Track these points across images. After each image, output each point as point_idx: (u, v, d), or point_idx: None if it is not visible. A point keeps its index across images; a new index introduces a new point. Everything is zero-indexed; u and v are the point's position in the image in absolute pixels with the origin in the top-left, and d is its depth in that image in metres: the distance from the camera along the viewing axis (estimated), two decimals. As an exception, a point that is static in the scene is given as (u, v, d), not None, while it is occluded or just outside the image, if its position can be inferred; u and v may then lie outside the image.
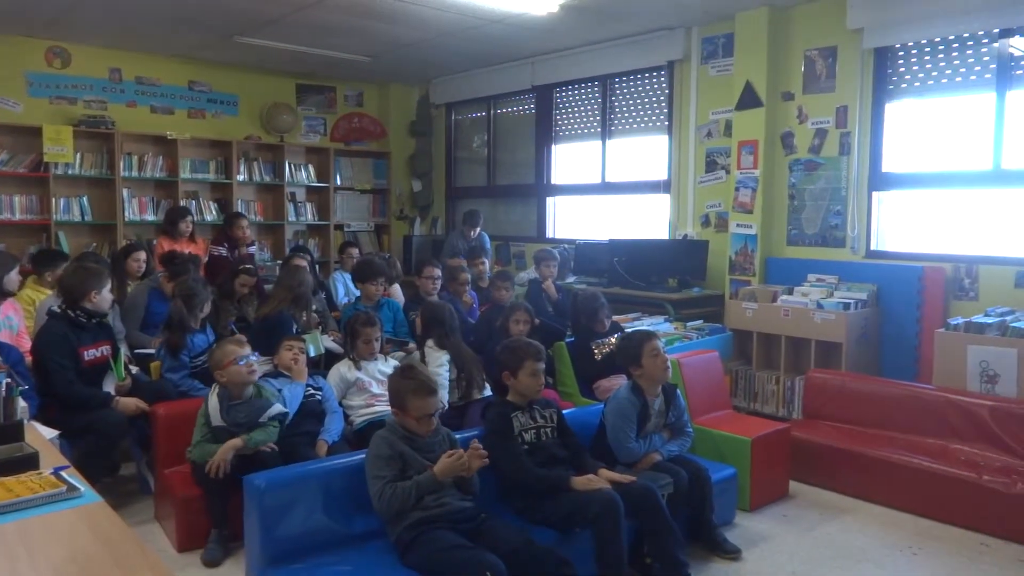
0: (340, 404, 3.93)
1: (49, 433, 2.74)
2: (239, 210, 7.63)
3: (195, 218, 6.91)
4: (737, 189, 5.93)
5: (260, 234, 8.29)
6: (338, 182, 8.73)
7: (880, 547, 3.52)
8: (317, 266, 7.17)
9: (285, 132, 8.40)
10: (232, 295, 5.33)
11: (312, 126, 8.81)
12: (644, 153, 7.03)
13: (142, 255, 5.62)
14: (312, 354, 4.47)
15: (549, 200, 8.01)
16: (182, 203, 7.37)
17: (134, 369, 4.31)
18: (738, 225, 5.95)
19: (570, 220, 7.91)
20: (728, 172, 6.11)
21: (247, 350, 3.50)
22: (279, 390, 3.62)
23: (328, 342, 4.92)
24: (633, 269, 6.22)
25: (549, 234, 7.98)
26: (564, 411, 3.54)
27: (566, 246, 7.23)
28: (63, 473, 1.94)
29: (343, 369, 4.05)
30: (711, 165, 6.33)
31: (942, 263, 5.06)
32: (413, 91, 9.19)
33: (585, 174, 7.58)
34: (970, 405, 4.06)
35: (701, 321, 5.59)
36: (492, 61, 7.88)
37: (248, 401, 3.44)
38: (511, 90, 8.11)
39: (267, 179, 8.25)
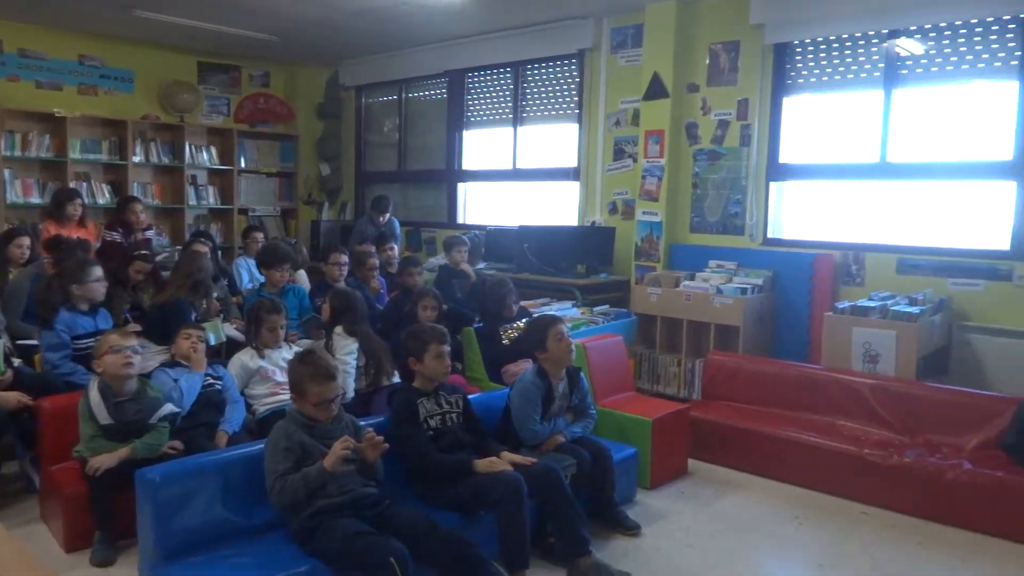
0: (242, 393, 3.83)
1: None
2: (134, 193, 7.31)
3: (85, 201, 6.53)
4: (644, 177, 6.07)
5: (158, 218, 7.96)
6: (242, 165, 8.47)
7: (770, 518, 3.70)
8: (220, 252, 6.95)
9: (185, 112, 8.08)
10: (126, 282, 5.11)
11: (215, 106, 8.50)
12: (554, 141, 7.10)
13: (25, 240, 5.30)
14: (212, 342, 4.35)
15: (460, 186, 8.00)
16: (71, 185, 6.96)
17: (16, 361, 4.08)
18: (644, 213, 6.10)
19: (481, 206, 7.93)
20: (635, 161, 6.25)
21: (130, 341, 3.34)
22: (175, 380, 3.50)
23: (230, 330, 4.80)
24: (542, 255, 6.28)
25: (460, 220, 7.98)
26: (471, 396, 3.57)
27: (476, 232, 7.24)
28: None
29: (245, 358, 3.95)
30: (619, 153, 6.46)
31: (832, 250, 5.32)
32: (322, 73, 8.99)
33: (496, 160, 7.60)
34: (853, 383, 4.31)
35: (607, 306, 5.71)
36: (404, 44, 7.79)
37: (136, 398, 3.30)
38: (423, 74, 8.04)
39: (166, 161, 7.91)
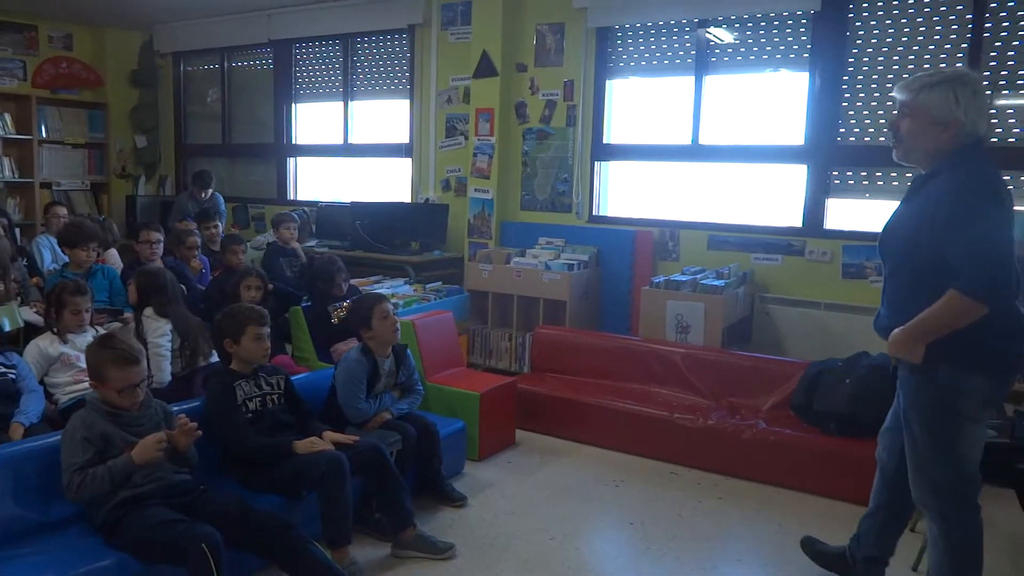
0: (42, 382, 3.54)
1: None
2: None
3: None
4: (475, 155, 6.14)
5: (-56, 191, 7.15)
6: (43, 134, 7.73)
7: (590, 482, 3.91)
8: (18, 229, 6.34)
9: (-27, 74, 7.27)
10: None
11: (8, 69, 7.68)
12: (387, 116, 7.02)
13: None
14: (7, 328, 3.99)
15: (290, 161, 7.73)
16: None
17: None
18: (476, 190, 6.17)
19: (312, 182, 7.71)
20: (467, 138, 6.30)
21: None
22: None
23: (29, 314, 4.40)
24: (376, 232, 6.21)
25: (291, 196, 7.73)
26: (296, 376, 3.50)
27: (307, 208, 7.05)
28: None
29: (44, 343, 3.64)
30: (451, 131, 6.48)
31: (651, 227, 5.63)
32: (134, 37, 8.35)
33: (328, 135, 7.41)
34: (667, 353, 4.61)
35: (440, 283, 5.74)
36: (223, 10, 7.39)
37: None
38: (246, 43, 7.68)
39: (-49, 127, 7.10)
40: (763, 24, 5.21)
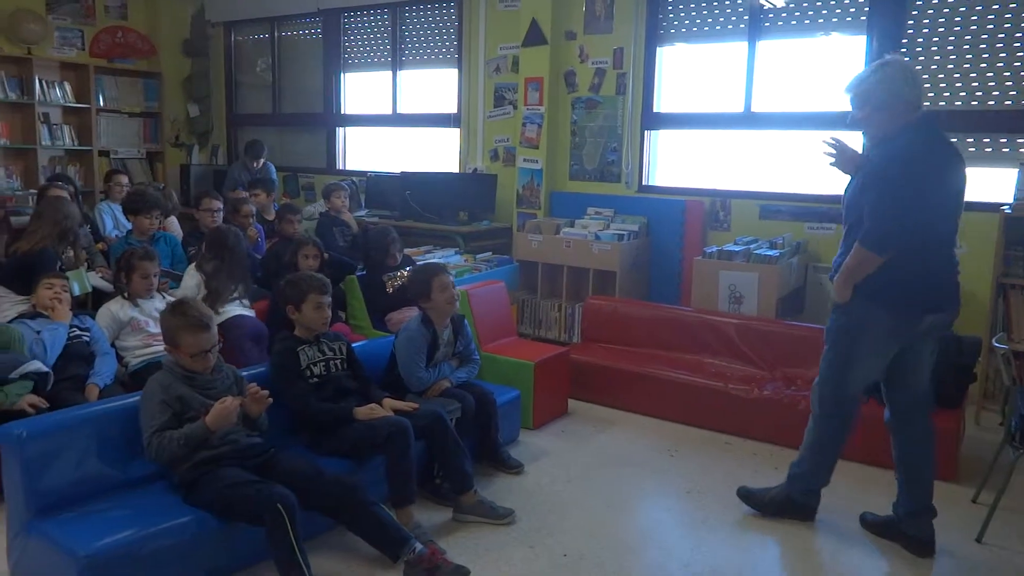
0: (113, 345, 3.68)
1: None
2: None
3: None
4: (524, 124, 6.13)
5: (7, 159, 7.34)
6: (101, 103, 7.88)
7: (644, 451, 3.94)
8: (80, 196, 6.51)
9: (33, 44, 7.40)
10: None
11: (66, 38, 7.82)
12: (435, 86, 7.02)
13: None
14: (77, 292, 4.13)
15: (339, 131, 7.79)
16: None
17: None
18: (525, 160, 6.17)
19: (361, 152, 7.77)
20: (516, 108, 6.28)
21: None
22: (38, 332, 3.31)
23: (96, 280, 4.55)
24: (424, 202, 6.26)
25: (340, 166, 7.80)
26: (355, 344, 3.57)
27: (356, 179, 7.11)
28: None
29: (115, 308, 3.78)
30: (500, 100, 6.46)
31: (702, 197, 5.58)
32: (186, 6, 8.43)
33: (376, 105, 7.44)
34: (720, 324, 4.60)
35: (490, 253, 5.79)
36: (274, -21, 7.42)
37: None
38: (296, 12, 7.71)
39: (13, 96, 7.25)
40: (820, -12, 5.09)
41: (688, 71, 5.76)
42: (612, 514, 3.27)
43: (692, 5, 5.60)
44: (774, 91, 5.34)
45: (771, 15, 5.30)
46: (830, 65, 5.15)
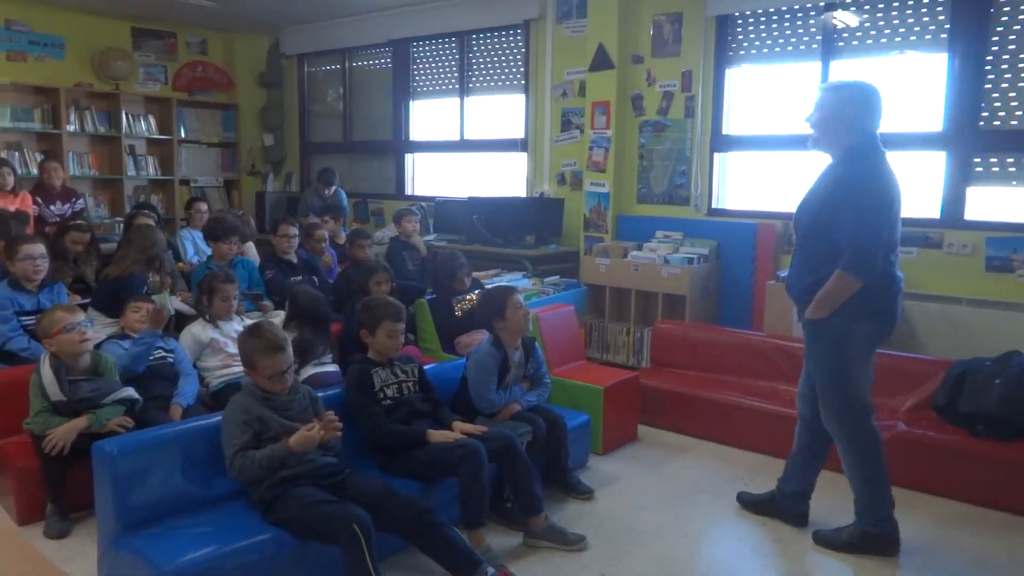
0: (195, 366, 3.80)
1: None
2: (70, 163, 7.07)
3: (18, 171, 6.26)
4: (591, 148, 6.14)
5: (96, 189, 7.73)
6: (182, 134, 8.24)
7: (718, 480, 3.85)
8: (163, 223, 6.79)
9: (120, 79, 7.81)
10: (65, 254, 4.98)
11: (151, 74, 8.23)
12: (502, 111, 7.11)
13: None
14: (160, 315, 4.27)
15: (408, 157, 7.94)
16: (2, 155, 6.71)
17: None
18: (592, 184, 6.17)
19: (429, 177, 7.89)
20: (582, 132, 6.30)
21: (78, 317, 3.28)
22: (125, 349, 3.46)
23: (177, 303, 4.72)
24: (492, 226, 6.32)
25: (408, 191, 7.94)
26: (426, 367, 3.61)
27: (424, 204, 7.22)
28: None
29: (197, 329, 3.91)
30: (566, 124, 6.50)
31: (773, 220, 5.48)
32: (262, 40, 8.77)
33: (444, 131, 7.57)
34: (795, 349, 4.44)
35: (557, 277, 5.79)
36: (345, 12, 7.66)
37: (92, 379, 3.25)
38: (367, 43, 7.93)
39: (102, 130, 7.65)
40: (895, 5, 4.97)
41: (758, 92, 5.69)
42: (686, 543, 3.20)
43: (762, 27, 5.54)
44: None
45: (845, 34, 5.21)
46: (908, 84, 5.02)
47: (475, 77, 7.25)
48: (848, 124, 2.93)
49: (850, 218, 2.81)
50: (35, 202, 6.11)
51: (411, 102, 7.83)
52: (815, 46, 5.31)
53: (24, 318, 3.93)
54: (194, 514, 2.71)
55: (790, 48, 5.44)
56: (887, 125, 4.99)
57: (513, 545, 3.14)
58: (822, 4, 5.22)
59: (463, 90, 7.31)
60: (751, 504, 3.51)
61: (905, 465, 3.74)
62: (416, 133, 7.86)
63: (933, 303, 4.73)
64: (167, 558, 2.41)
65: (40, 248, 4.08)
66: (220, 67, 8.65)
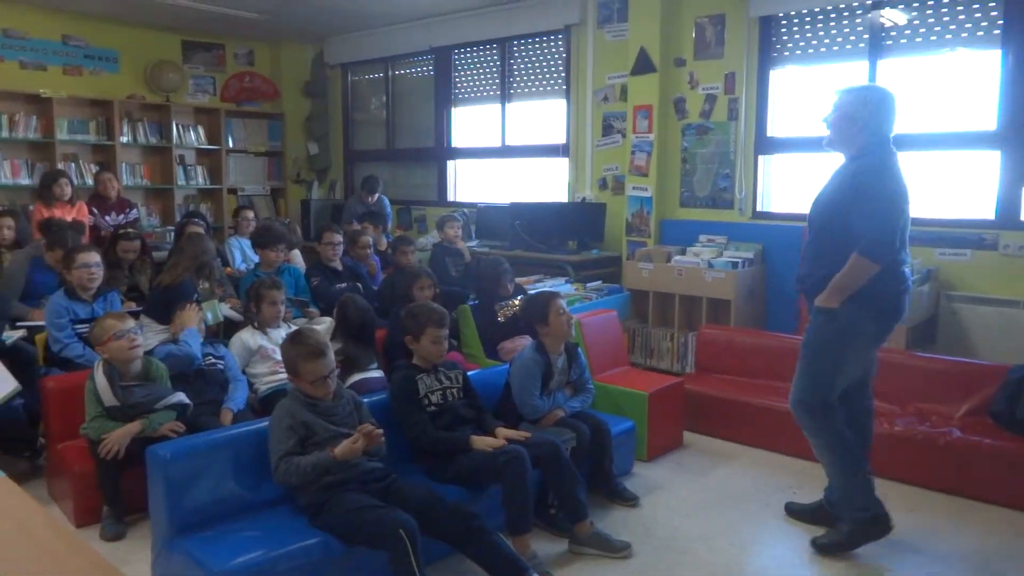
0: (244, 372, 3.87)
1: None
2: (123, 173, 7.28)
3: (74, 182, 6.47)
4: (633, 153, 6.10)
5: (148, 198, 7.94)
6: (230, 144, 8.42)
7: (765, 487, 3.79)
8: (211, 231, 6.94)
9: (171, 91, 8.01)
10: (119, 263, 5.12)
11: (200, 85, 8.43)
12: (543, 117, 7.11)
13: (9, 221, 5.31)
14: (210, 321, 4.37)
15: (450, 163, 8.00)
16: (59, 166, 6.94)
17: (14, 336, 4.11)
18: (634, 188, 6.13)
19: (471, 184, 7.93)
20: (624, 136, 6.27)
21: (128, 323, 3.37)
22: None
23: (226, 310, 4.81)
24: (534, 232, 6.32)
25: (450, 198, 7.99)
26: (469, 372, 3.62)
27: (466, 210, 7.26)
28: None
29: (245, 336, 3.98)
30: (608, 129, 6.48)
31: (821, 223, 5.37)
32: (306, 50, 8.92)
33: (485, 137, 7.60)
34: (844, 354, 4.38)
35: (600, 282, 5.76)
36: (388, 21, 7.74)
37: (144, 385, 3.34)
38: (409, 51, 8.01)
39: (153, 141, 7.86)
40: (945, 1, 4.86)
41: (801, 93, 5.60)
42: (733, 552, 3.16)
43: (807, 27, 5.46)
44: (897, 111, 5.10)
45: (893, 33, 5.10)
46: (959, 83, 4.89)
47: (516, 83, 7.27)
48: (861, 125, 2.99)
49: (864, 207, 2.87)
50: (91, 212, 6.31)
51: (453, 109, 7.88)
52: (862, 45, 5.21)
53: (79, 326, 4.04)
54: (243, 518, 2.76)
55: (836, 48, 5.35)
56: (939, 124, 4.94)
57: (558, 552, 3.13)
58: (869, 2, 5.12)
59: (504, 96, 7.33)
60: (800, 514, 3.46)
61: (959, 473, 3.65)
62: (458, 140, 7.91)
63: (988, 306, 4.61)
64: (219, 561, 2.46)
65: (95, 257, 4.19)
66: (266, 78, 8.82)
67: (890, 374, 4.20)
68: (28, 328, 4.33)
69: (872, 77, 5.14)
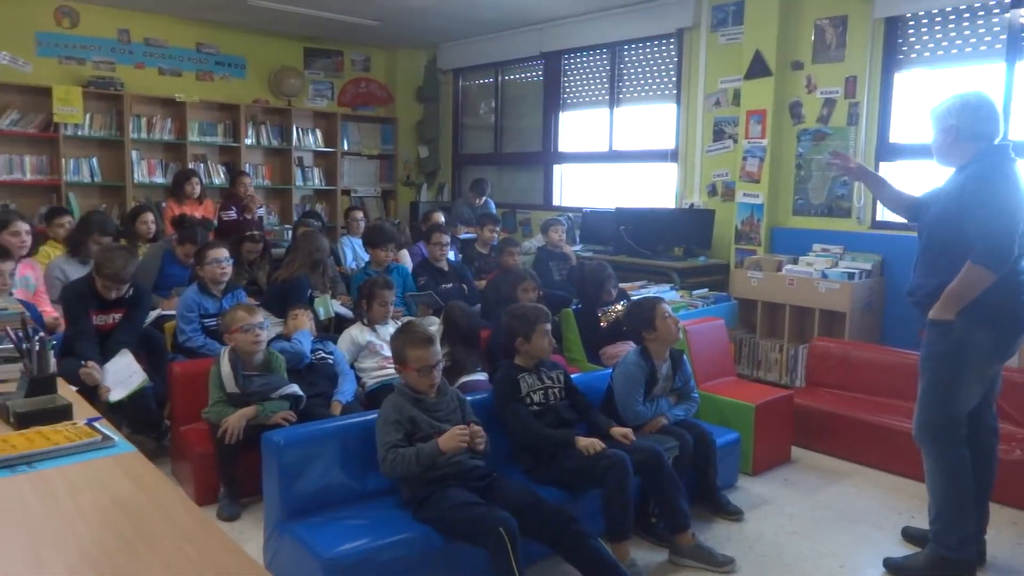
0: (352, 367, 4.00)
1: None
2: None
3: (203, 181, 6.90)
4: (744, 158, 5.95)
5: (268, 198, 8.33)
6: (345, 147, 8.75)
7: (879, 510, 3.61)
8: (326, 230, 7.21)
9: (292, 96, 8.39)
10: (242, 260, 5.39)
11: (319, 90, 8.79)
12: (651, 121, 7.03)
13: (150, 217, 5.67)
14: (321, 316, 4.54)
15: (556, 168, 8.02)
16: (190, 166, 7.40)
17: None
18: (745, 195, 5.98)
19: (577, 188, 7.93)
20: (736, 141, 6.12)
21: (257, 318, 3.54)
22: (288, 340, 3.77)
23: (337, 306, 4.99)
24: (639, 237, 6.26)
25: (556, 202, 8.01)
26: (572, 376, 3.61)
27: (571, 215, 7.26)
28: (96, 424, 2.01)
29: (355, 332, 4.12)
30: (719, 134, 6.34)
31: (947, 234, 5.08)
32: (420, 56, 9.15)
33: (592, 142, 7.58)
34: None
35: (706, 290, 5.64)
36: (500, 27, 7.85)
37: (264, 375, 3.51)
38: (519, 56, 8.09)
39: (275, 143, 8.26)
40: (1100, 0, 4.51)
41: (926, 97, 5.31)
42: (843, 574, 3.02)
43: (937, 27, 5.18)
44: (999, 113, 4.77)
45: (1035, 33, 4.78)
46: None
47: (625, 87, 7.22)
48: (956, 134, 2.89)
49: (979, 212, 2.73)
50: (223, 208, 6.65)
51: (561, 113, 7.90)
52: (998, 46, 4.90)
53: (206, 320, 4.28)
54: (349, 506, 2.85)
55: (968, 49, 5.05)
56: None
57: (658, 562, 3.08)
58: (1007, 1, 4.81)
59: (613, 101, 7.29)
60: (919, 540, 3.25)
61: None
62: (565, 144, 7.92)
63: None
64: (326, 547, 2.54)
65: (225, 252, 4.43)
66: (381, 83, 9.11)
67: (1018, 394, 3.94)
68: (157, 317, 4.62)
69: (1010, 80, 4.83)
